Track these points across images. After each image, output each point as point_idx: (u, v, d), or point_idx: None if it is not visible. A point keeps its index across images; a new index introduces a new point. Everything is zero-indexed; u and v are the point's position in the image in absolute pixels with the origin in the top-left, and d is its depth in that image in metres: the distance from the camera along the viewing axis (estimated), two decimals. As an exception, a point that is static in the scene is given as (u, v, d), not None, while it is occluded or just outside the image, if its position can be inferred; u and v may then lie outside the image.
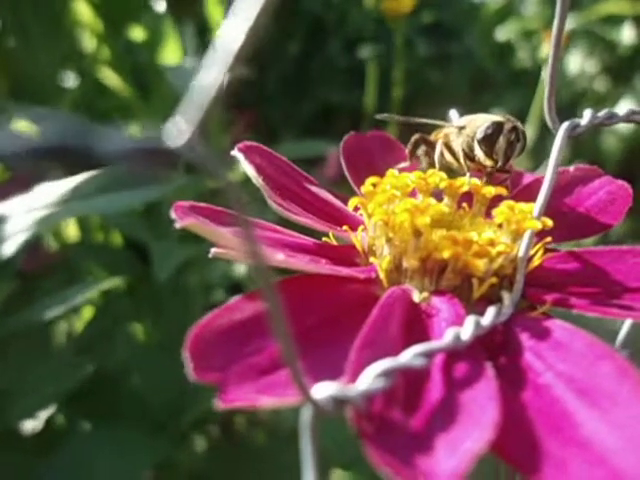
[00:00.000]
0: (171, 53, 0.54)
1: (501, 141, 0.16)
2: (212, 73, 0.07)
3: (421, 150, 0.19)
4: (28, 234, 0.24)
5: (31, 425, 0.38)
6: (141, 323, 0.45)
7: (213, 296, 0.47)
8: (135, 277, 0.44)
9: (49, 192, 0.26)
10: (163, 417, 0.38)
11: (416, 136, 0.19)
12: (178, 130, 0.06)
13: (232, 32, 0.07)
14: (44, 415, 0.38)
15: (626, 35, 0.88)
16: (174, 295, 0.43)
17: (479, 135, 0.17)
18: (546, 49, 0.66)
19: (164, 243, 0.43)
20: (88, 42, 0.52)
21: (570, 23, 0.85)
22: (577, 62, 0.91)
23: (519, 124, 0.16)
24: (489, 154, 0.17)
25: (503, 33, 0.92)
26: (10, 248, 0.24)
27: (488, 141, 0.16)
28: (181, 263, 0.40)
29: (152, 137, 0.06)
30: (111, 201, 0.25)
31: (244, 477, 0.44)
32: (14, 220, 0.25)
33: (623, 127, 0.75)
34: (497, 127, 0.16)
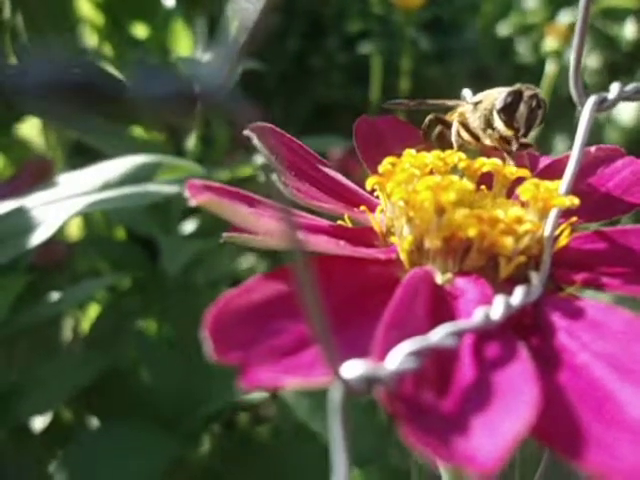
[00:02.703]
0: (183, 49, 0.53)
1: (522, 108, 0.16)
2: (240, 27, 0.07)
3: (435, 132, 0.19)
4: (54, 227, 0.24)
5: (40, 422, 0.37)
6: (149, 320, 0.44)
7: (219, 292, 0.47)
8: (143, 273, 0.43)
9: (71, 184, 0.26)
10: (172, 414, 0.38)
11: (430, 116, 0.18)
12: (209, 75, 0.06)
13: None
14: (53, 412, 0.37)
15: (628, 30, 0.88)
16: (182, 291, 0.42)
17: (499, 105, 0.16)
18: (549, 43, 0.66)
19: (173, 238, 0.42)
20: (91, 39, 0.52)
21: (572, 17, 0.85)
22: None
23: (539, 91, 0.16)
24: (510, 123, 0.16)
25: (504, 28, 0.91)
26: (36, 240, 0.24)
27: (508, 110, 0.16)
28: (189, 259, 0.39)
29: (184, 83, 0.06)
30: (127, 196, 0.24)
31: (249, 475, 0.43)
32: (38, 212, 0.25)
33: (626, 119, 0.75)
34: (517, 95, 0.16)
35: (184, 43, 0.56)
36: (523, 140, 0.16)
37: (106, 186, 0.27)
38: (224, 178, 0.43)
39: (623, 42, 0.84)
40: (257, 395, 0.41)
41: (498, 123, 0.16)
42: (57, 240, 0.46)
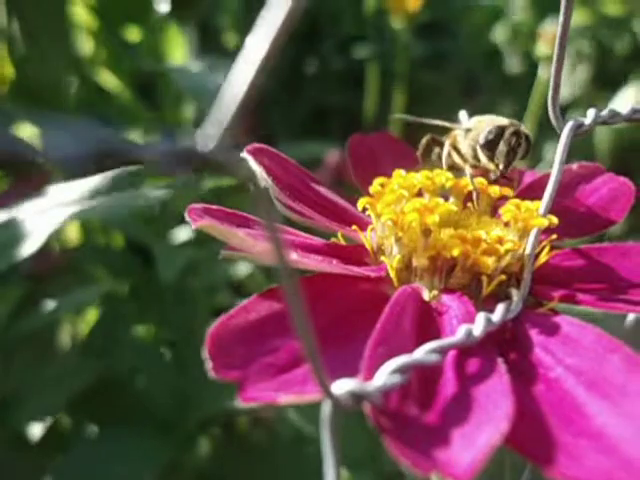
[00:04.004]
0: (176, 55, 0.54)
1: (502, 146, 0.16)
2: (239, 80, 0.07)
3: (435, 152, 0.19)
4: (45, 235, 0.24)
5: (38, 429, 0.38)
6: (146, 326, 0.45)
7: (216, 298, 0.48)
8: (139, 280, 0.44)
9: (60, 194, 0.26)
10: (169, 419, 0.39)
11: (427, 137, 0.19)
12: (208, 135, 0.07)
13: (257, 44, 0.08)
14: (50, 418, 0.38)
15: (619, 37, 0.89)
16: (178, 298, 0.43)
17: (481, 140, 0.17)
18: (541, 48, 0.67)
19: (168, 246, 0.43)
20: (86, 45, 0.53)
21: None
22: (568, 64, 0.92)
23: (523, 128, 0.17)
24: (491, 159, 0.17)
25: (494, 36, 0.92)
26: (29, 249, 0.24)
27: (489, 146, 0.17)
28: (185, 265, 0.40)
29: (184, 141, 0.06)
30: (117, 202, 0.25)
31: (247, 478, 0.44)
32: (30, 222, 0.25)
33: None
34: (498, 132, 0.17)
35: (178, 50, 0.57)
36: (504, 173, 0.17)
37: (94, 194, 0.27)
38: (213, 186, 0.43)
39: (614, 50, 0.85)
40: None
41: (481, 156, 0.17)
42: (52, 249, 0.46)
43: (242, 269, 0.48)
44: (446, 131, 0.19)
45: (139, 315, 0.45)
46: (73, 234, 0.48)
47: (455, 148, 0.18)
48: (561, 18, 0.15)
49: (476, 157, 0.17)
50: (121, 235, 0.49)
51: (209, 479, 0.45)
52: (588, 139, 0.80)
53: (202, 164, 0.06)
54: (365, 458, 0.30)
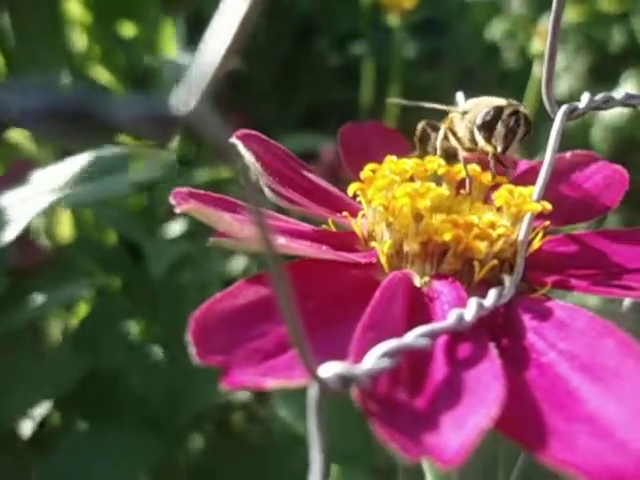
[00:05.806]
0: (168, 49, 0.53)
1: (499, 127, 0.16)
2: (214, 46, 0.07)
3: (432, 137, 0.19)
4: (24, 223, 0.24)
5: (27, 425, 0.37)
6: (136, 321, 0.45)
7: (208, 293, 0.47)
8: (130, 275, 0.44)
9: (42, 181, 0.26)
10: (160, 415, 0.38)
11: (422, 123, 0.19)
12: (184, 99, 0.06)
13: (230, 10, 0.07)
14: (40, 415, 0.37)
15: (615, 34, 0.89)
16: (169, 293, 0.42)
17: (478, 121, 0.16)
18: (536, 44, 0.67)
19: (158, 241, 0.42)
20: (80, 40, 0.52)
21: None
22: (564, 60, 0.92)
23: (522, 108, 0.16)
24: (488, 140, 0.16)
25: (491, 32, 0.92)
26: (8, 236, 0.24)
27: (487, 127, 0.16)
28: (175, 261, 0.39)
29: (159, 105, 0.06)
30: (101, 187, 0.24)
31: (241, 475, 0.44)
32: (10, 210, 0.25)
33: (613, 119, 0.76)
34: (496, 112, 0.16)
35: (170, 43, 0.57)
36: (501, 156, 0.16)
37: (77, 180, 0.26)
38: (207, 178, 0.43)
39: (610, 46, 0.85)
40: (245, 395, 0.41)
41: (479, 138, 0.17)
42: (39, 243, 0.46)
43: (237, 264, 0.48)
44: (443, 118, 0.19)
45: (130, 310, 0.44)
46: (64, 229, 0.48)
47: (452, 131, 0.18)
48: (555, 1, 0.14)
49: (473, 140, 0.17)
50: (113, 230, 0.49)
51: (203, 476, 0.44)
52: (584, 138, 0.80)
53: (176, 127, 0.06)
54: (358, 453, 0.30)
